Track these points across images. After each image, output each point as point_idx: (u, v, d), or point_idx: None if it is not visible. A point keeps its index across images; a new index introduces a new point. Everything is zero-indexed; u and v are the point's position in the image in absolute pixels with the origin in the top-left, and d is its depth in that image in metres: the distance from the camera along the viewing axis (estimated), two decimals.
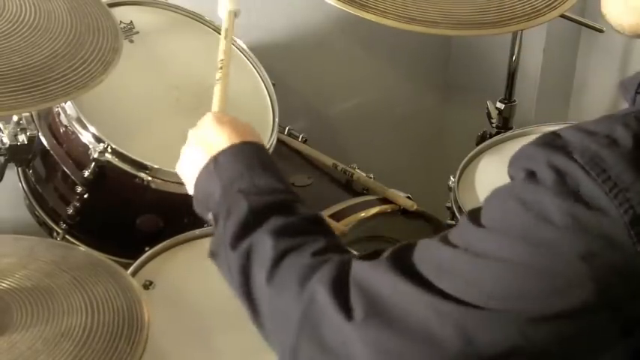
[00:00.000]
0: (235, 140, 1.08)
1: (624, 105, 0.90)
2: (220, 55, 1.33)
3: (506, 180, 0.86)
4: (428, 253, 0.86)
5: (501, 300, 0.80)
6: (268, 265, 0.94)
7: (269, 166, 1.07)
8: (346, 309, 0.85)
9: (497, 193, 0.86)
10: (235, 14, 1.42)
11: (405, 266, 0.85)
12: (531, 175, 0.82)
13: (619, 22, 0.90)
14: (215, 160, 1.07)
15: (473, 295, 0.80)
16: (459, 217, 1.73)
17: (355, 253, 0.96)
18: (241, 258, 0.97)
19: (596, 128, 0.82)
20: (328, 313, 0.86)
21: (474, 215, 0.85)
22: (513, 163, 0.86)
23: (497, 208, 0.84)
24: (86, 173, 1.53)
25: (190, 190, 1.12)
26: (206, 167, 1.08)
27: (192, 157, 1.13)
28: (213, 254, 1.03)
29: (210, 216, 1.06)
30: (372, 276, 0.86)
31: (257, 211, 0.99)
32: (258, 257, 0.95)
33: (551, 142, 0.82)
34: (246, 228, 0.98)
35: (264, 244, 0.96)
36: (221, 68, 1.32)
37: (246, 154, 1.07)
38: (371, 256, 0.91)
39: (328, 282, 0.88)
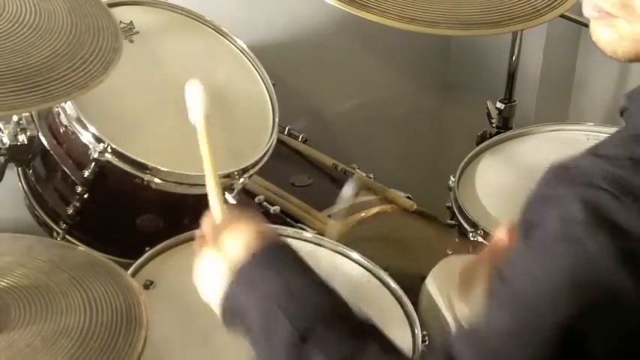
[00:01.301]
0: (254, 246, 0.99)
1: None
2: (206, 164, 1.18)
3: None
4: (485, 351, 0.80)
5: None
6: None
7: (295, 263, 0.99)
8: None
9: (521, 255, 0.81)
10: (207, 115, 1.22)
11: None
12: (558, 213, 0.77)
13: (612, 50, 0.88)
14: (239, 274, 0.98)
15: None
16: (459, 216, 1.73)
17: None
18: None
19: (615, 153, 0.79)
20: None
21: (505, 285, 0.80)
22: (534, 208, 0.81)
23: (531, 272, 0.79)
24: (86, 173, 1.53)
25: (216, 308, 1.02)
26: (232, 284, 0.98)
27: (212, 274, 1.03)
28: None
29: (244, 332, 0.98)
30: None
31: (301, 329, 0.90)
32: None
33: (568, 176, 0.78)
34: (295, 349, 0.89)
35: None
36: (211, 175, 1.18)
37: (271, 259, 0.98)
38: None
39: None
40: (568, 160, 0.80)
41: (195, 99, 1.22)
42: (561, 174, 0.80)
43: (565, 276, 0.77)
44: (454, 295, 1.43)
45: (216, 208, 1.12)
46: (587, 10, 0.88)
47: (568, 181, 0.78)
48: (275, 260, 0.99)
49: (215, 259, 1.03)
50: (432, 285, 1.53)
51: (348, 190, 1.45)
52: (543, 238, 0.79)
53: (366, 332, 0.91)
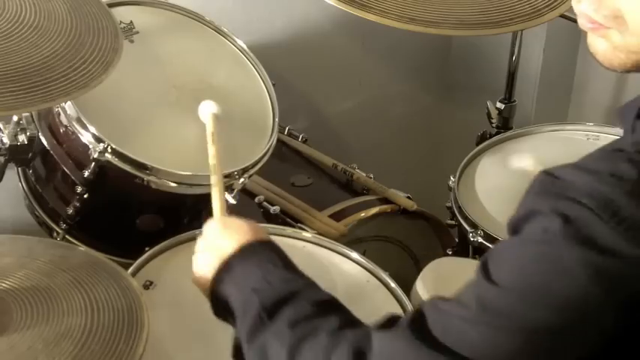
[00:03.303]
0: (243, 241, 1.10)
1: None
2: (211, 160, 1.33)
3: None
4: (444, 319, 0.83)
5: (524, 358, 0.78)
6: (286, 355, 0.93)
7: (278, 260, 1.08)
8: None
9: (505, 247, 0.83)
10: (217, 117, 1.39)
11: (425, 337, 0.83)
12: (539, 224, 0.78)
13: (608, 62, 0.88)
14: (227, 264, 1.08)
15: (496, 356, 0.78)
16: (459, 216, 1.73)
17: (371, 325, 0.94)
18: (260, 352, 0.97)
19: (597, 167, 0.79)
20: None
21: (485, 270, 0.82)
22: (517, 216, 0.82)
23: (509, 263, 0.81)
24: (86, 173, 1.53)
25: (207, 297, 1.12)
26: (219, 273, 1.08)
27: (204, 265, 1.13)
28: (236, 357, 1.04)
29: (228, 317, 1.07)
30: (396, 351, 0.85)
31: (268, 305, 0.99)
32: (276, 351, 0.95)
33: (553, 188, 0.79)
34: (260, 323, 0.99)
35: (279, 335, 0.96)
36: (214, 173, 1.31)
37: (256, 252, 1.08)
38: (387, 324, 0.89)
39: (349, 359, 0.87)
40: (557, 169, 0.81)
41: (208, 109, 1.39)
42: (548, 185, 0.80)
43: (538, 280, 0.78)
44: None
45: (216, 207, 1.24)
46: (581, 22, 0.89)
47: (552, 194, 0.79)
48: (258, 253, 1.08)
49: (208, 252, 1.13)
50: (420, 286, 1.53)
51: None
52: (523, 243, 0.80)
53: (327, 310, 0.98)
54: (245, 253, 1.08)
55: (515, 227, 0.82)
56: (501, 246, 0.84)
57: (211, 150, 1.34)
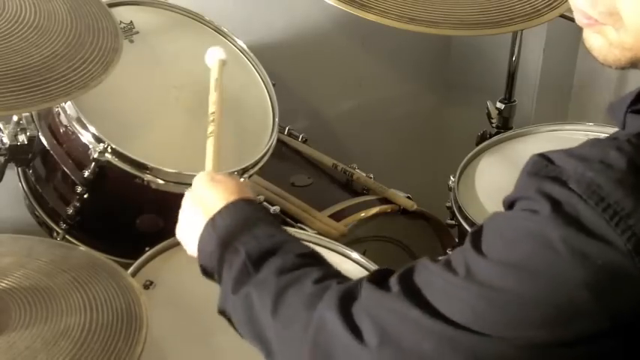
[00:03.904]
0: (230, 198, 1.11)
1: None
2: (211, 108, 1.33)
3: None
4: (433, 279, 0.85)
5: (509, 329, 0.79)
6: (271, 301, 0.95)
7: (264, 218, 1.09)
8: (358, 334, 0.84)
9: (496, 220, 0.85)
10: (224, 63, 1.40)
11: (413, 293, 0.84)
12: (528, 204, 0.80)
13: (603, 58, 0.88)
14: (213, 220, 1.09)
15: (481, 324, 0.79)
16: (459, 216, 1.73)
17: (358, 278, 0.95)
18: (245, 301, 0.98)
19: (588, 154, 0.80)
20: (341, 339, 0.85)
21: (476, 240, 0.84)
22: (512, 194, 0.84)
23: (498, 237, 0.83)
24: (86, 173, 1.53)
25: (193, 254, 1.12)
26: (205, 229, 1.10)
27: (190, 221, 1.15)
28: (221, 311, 1.05)
29: (214, 272, 1.07)
30: (383, 304, 0.85)
31: (254, 256, 1.01)
32: (261, 298, 0.96)
33: (544, 171, 0.81)
34: (245, 273, 1.00)
35: (264, 284, 0.97)
36: (212, 121, 1.32)
37: (242, 209, 1.10)
38: (377, 276, 0.90)
39: (336, 308, 0.87)
40: (551, 153, 0.82)
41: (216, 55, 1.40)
42: (541, 167, 0.81)
43: (524, 257, 0.79)
44: None
45: (209, 159, 1.28)
46: (577, 17, 0.89)
47: (543, 176, 0.80)
48: (244, 210, 1.09)
49: (195, 208, 1.15)
50: None
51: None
52: (513, 219, 0.82)
53: (312, 261, 1.00)
54: (231, 209, 1.09)
55: (509, 205, 0.84)
56: (493, 220, 0.85)
57: (212, 97, 1.33)
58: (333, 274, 0.98)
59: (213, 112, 1.33)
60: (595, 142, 0.83)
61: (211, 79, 1.36)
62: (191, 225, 1.14)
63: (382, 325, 0.84)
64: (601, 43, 0.88)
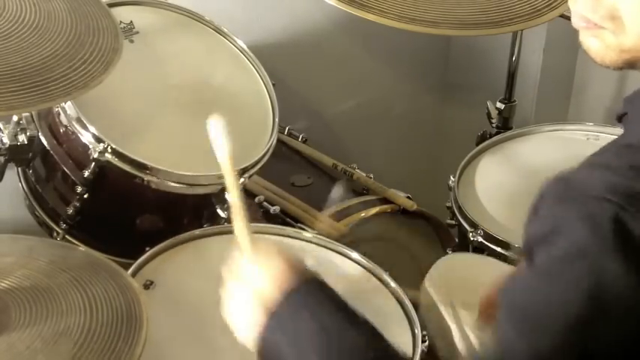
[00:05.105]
0: (286, 283, 1.00)
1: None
2: (234, 195, 1.15)
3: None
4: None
5: None
6: None
7: (329, 300, 1.00)
8: None
9: (536, 277, 0.79)
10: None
11: None
12: (570, 238, 0.75)
13: (600, 59, 0.88)
14: (274, 314, 0.99)
15: None
16: (459, 216, 1.73)
17: None
18: None
19: (614, 162, 0.77)
20: None
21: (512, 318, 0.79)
22: (537, 230, 0.78)
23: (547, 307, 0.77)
24: (86, 173, 1.53)
25: (250, 345, 1.03)
26: (267, 324, 0.99)
27: (245, 311, 1.04)
28: None
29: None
30: None
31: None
32: None
33: (569, 192, 0.76)
34: None
35: None
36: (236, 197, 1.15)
37: (305, 298, 1.00)
38: None
39: None
40: (565, 172, 0.79)
41: (218, 136, 1.19)
42: (561, 190, 0.78)
43: (582, 295, 0.75)
44: (457, 299, 1.44)
45: (244, 241, 1.09)
46: (575, 20, 0.89)
47: (569, 199, 0.76)
48: (309, 299, 0.99)
49: (247, 295, 1.03)
50: (430, 283, 1.53)
51: (337, 192, 1.44)
52: (552, 260, 0.77)
53: None
54: (290, 300, 0.99)
55: (532, 248, 0.78)
56: (524, 281, 0.79)
57: (232, 187, 1.18)
58: None
59: (235, 199, 1.15)
60: (613, 150, 0.80)
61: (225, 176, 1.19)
62: (248, 316, 1.03)
63: None
64: (598, 45, 0.88)
